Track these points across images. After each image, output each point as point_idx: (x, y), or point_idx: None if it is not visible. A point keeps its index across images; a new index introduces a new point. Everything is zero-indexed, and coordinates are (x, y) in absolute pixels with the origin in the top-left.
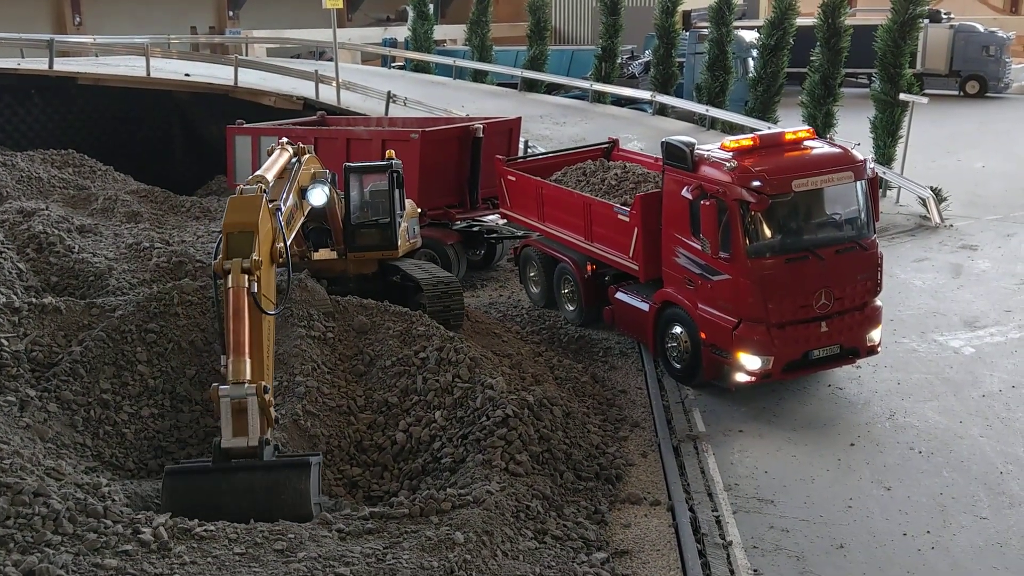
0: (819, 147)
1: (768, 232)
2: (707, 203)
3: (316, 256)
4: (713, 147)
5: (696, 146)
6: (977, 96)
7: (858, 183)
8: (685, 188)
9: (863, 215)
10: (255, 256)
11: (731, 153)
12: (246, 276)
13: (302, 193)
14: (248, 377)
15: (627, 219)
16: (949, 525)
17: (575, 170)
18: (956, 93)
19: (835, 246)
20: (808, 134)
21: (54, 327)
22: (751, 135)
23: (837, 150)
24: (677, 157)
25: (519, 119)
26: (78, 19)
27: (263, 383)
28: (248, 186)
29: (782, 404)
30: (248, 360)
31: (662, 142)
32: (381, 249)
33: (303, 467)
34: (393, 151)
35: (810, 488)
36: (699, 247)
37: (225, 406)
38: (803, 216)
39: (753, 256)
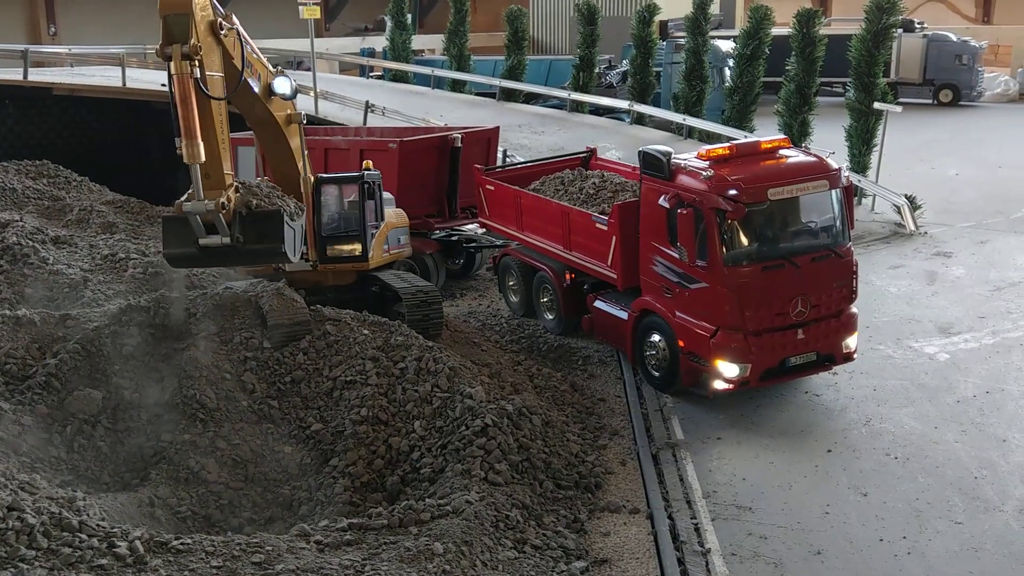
0: (794, 156)
1: (744, 240)
2: (684, 212)
3: (289, 268)
4: (690, 156)
5: (673, 155)
6: (950, 105)
7: (833, 191)
8: (662, 197)
9: (838, 223)
10: (193, 41)
11: (707, 162)
12: (187, 62)
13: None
14: (201, 158)
15: (605, 228)
16: (925, 530)
17: (553, 179)
18: (930, 102)
19: (811, 254)
20: (784, 143)
21: (28, 339)
22: (727, 144)
23: (812, 159)
24: (654, 166)
25: (497, 128)
26: (53, 29)
27: (222, 199)
28: None
29: (760, 411)
30: (200, 143)
31: (639, 151)
32: (352, 261)
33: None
34: (371, 161)
35: (788, 495)
36: (677, 256)
37: (194, 220)
38: (779, 224)
39: (730, 264)
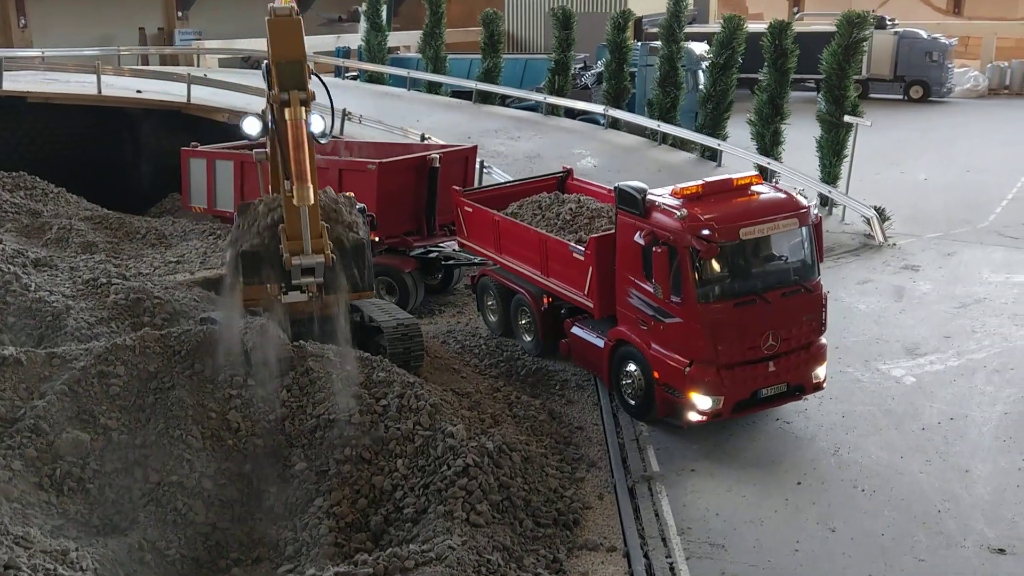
0: (765, 193)
1: (717, 277)
2: (659, 250)
3: (286, 299)
4: (664, 193)
5: (648, 192)
6: (921, 101)
7: (802, 228)
8: (637, 233)
9: (808, 258)
10: (310, 88)
11: (681, 200)
12: (303, 108)
13: None
14: (311, 201)
15: (582, 258)
16: (890, 568)
17: (531, 203)
18: (900, 97)
19: (781, 289)
20: (755, 179)
21: (15, 380)
22: (699, 182)
23: (782, 196)
24: (629, 202)
25: (475, 147)
26: (23, 21)
27: (328, 251)
28: (280, 6)
29: (732, 440)
30: (311, 186)
31: (615, 187)
32: (358, 291)
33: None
34: (353, 193)
35: (759, 531)
36: (651, 290)
37: (296, 269)
38: (750, 261)
39: (703, 301)
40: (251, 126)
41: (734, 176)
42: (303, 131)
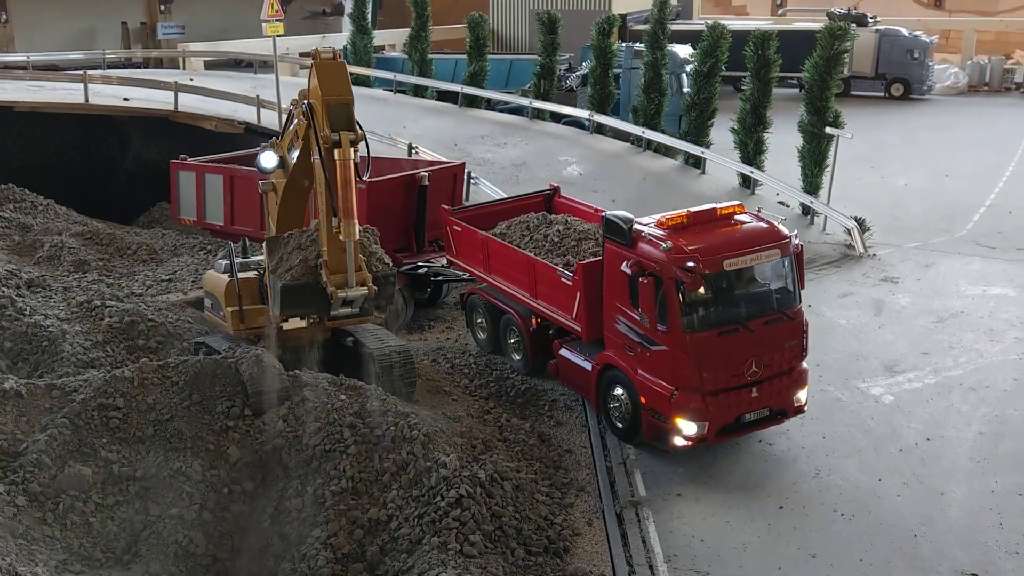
0: (749, 222)
1: (702, 307)
2: (645, 281)
3: (287, 326)
4: (650, 223)
5: (634, 222)
6: (902, 98)
7: (785, 258)
8: (624, 263)
9: (790, 286)
10: (359, 130)
11: (666, 231)
12: (352, 149)
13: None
14: (357, 237)
15: (570, 283)
16: None
17: (519, 224)
18: (882, 95)
19: (764, 317)
20: (738, 209)
21: (16, 413)
22: (684, 212)
23: (764, 226)
24: (616, 232)
25: (463, 164)
26: (4, 16)
27: (370, 283)
28: (324, 48)
29: (717, 463)
30: (356, 222)
31: (602, 216)
32: (360, 316)
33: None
34: None
35: (743, 557)
36: (638, 318)
37: (337, 301)
38: (734, 291)
39: (688, 330)
40: (268, 160)
41: (718, 206)
42: (351, 170)
